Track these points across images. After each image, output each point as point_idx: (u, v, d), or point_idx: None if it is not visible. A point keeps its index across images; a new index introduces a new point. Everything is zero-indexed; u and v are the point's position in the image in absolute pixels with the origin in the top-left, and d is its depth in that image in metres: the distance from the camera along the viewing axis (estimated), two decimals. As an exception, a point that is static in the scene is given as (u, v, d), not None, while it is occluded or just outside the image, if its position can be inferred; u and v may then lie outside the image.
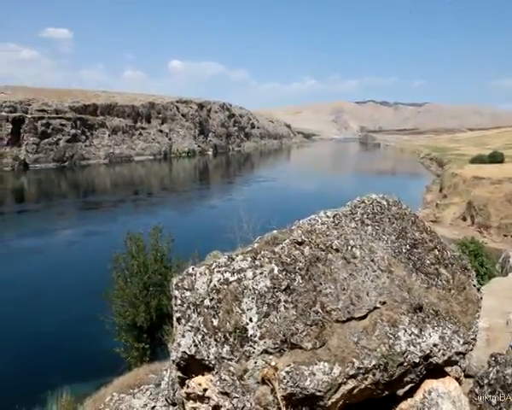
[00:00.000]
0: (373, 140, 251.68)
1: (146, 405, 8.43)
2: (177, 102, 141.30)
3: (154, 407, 8.45)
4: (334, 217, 6.19)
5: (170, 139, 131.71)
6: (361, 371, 4.41)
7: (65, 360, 17.58)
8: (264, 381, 4.29)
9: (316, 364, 4.37)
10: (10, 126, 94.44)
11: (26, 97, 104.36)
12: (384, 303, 5.06)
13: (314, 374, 4.29)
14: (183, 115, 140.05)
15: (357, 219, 6.25)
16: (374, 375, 4.45)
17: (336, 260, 5.49)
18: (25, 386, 14.97)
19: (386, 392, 4.70)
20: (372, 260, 5.59)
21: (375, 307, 5.06)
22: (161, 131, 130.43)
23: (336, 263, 5.45)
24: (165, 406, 8.29)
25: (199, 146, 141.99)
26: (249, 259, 4.99)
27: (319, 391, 4.24)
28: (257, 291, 4.74)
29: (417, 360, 4.68)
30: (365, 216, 6.31)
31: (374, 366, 4.44)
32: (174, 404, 6.87)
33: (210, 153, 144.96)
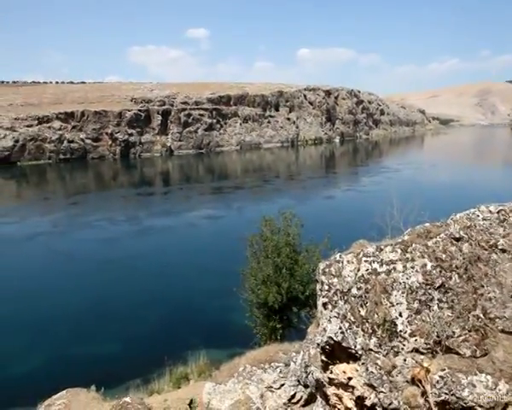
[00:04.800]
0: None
1: (275, 381, 8.77)
2: (305, 89, 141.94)
3: (283, 384, 8.75)
4: (498, 212, 5.42)
5: (297, 127, 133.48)
6: (536, 394, 3.78)
7: (202, 327, 19.63)
8: (413, 381, 4.03)
9: (476, 374, 3.92)
10: (160, 118, 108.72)
11: (172, 92, 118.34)
12: None
13: (474, 386, 3.85)
14: (310, 103, 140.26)
15: (528, 216, 5.36)
16: (554, 402, 3.78)
17: (502, 261, 4.81)
18: (169, 345, 17.19)
19: None
20: (550, 267, 4.73)
21: (555, 323, 4.28)
22: (289, 119, 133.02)
23: (502, 265, 4.77)
24: (293, 385, 8.51)
25: (325, 133, 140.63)
26: (399, 251, 4.71)
27: (480, 406, 3.79)
28: (407, 286, 4.46)
29: None
30: (540, 214, 5.37)
31: (554, 391, 3.76)
32: (306, 386, 6.99)
33: (337, 140, 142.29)
